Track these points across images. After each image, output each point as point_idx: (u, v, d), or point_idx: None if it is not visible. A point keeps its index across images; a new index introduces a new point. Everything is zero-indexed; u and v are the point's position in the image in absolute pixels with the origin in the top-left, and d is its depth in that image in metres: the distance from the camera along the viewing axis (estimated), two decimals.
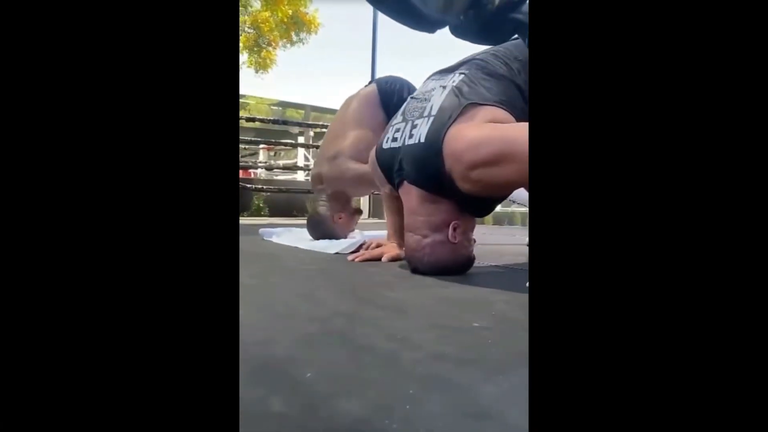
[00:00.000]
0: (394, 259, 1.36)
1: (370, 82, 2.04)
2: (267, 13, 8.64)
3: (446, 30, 1.15)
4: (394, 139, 1.16)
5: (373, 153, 1.29)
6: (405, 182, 1.12)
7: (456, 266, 1.11)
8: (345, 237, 1.90)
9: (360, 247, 1.58)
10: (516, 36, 1.20)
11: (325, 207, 1.91)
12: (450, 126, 1.01)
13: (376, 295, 0.86)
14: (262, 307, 0.73)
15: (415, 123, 1.11)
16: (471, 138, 0.97)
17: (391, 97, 1.91)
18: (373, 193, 4.50)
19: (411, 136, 1.10)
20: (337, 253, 1.58)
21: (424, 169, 1.05)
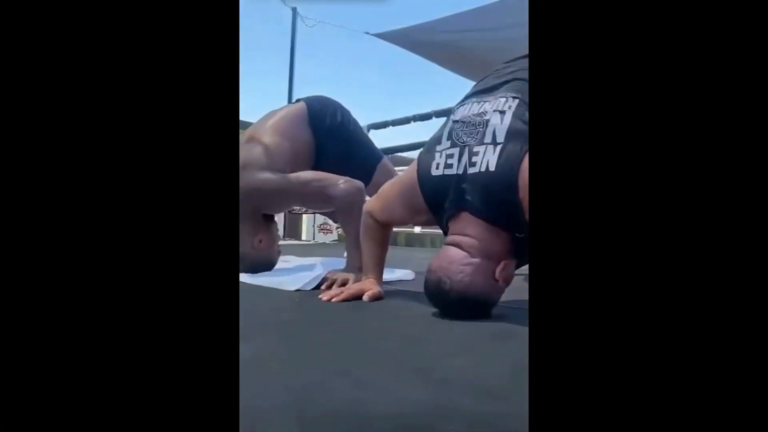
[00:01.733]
0: (375, 299, 1.19)
1: (297, 100, 1.82)
2: None
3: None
4: (448, 166, 1.06)
5: (415, 181, 1.12)
6: (464, 213, 1.02)
7: (483, 305, 1.00)
8: (273, 263, 1.65)
9: (323, 281, 1.36)
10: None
11: (241, 232, 1.54)
12: (525, 157, 0.94)
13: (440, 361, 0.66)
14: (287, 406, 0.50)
15: (474, 150, 1.02)
16: None
17: (321, 117, 1.70)
18: (290, 212, 4.26)
19: (473, 164, 1.01)
20: (298, 290, 1.34)
21: (493, 199, 0.98)
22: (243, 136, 1.75)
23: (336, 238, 4.75)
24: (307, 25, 5.51)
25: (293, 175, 1.55)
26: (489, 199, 0.98)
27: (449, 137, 1.10)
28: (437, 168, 1.08)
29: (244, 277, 1.52)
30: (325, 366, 0.63)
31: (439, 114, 3.95)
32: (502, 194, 0.96)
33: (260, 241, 1.59)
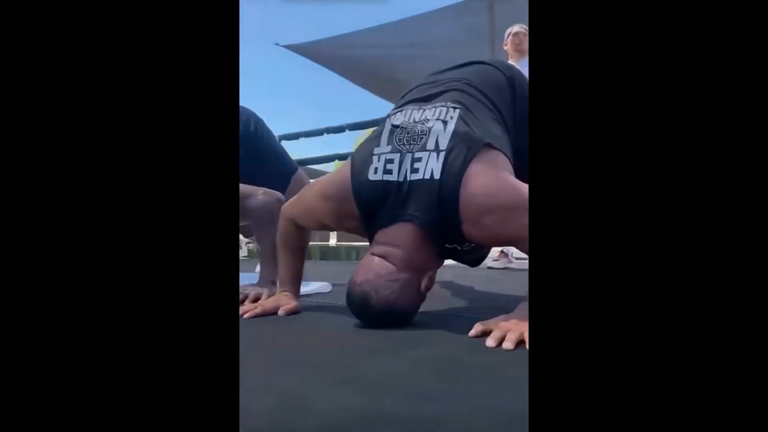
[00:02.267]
0: (291, 313, 1.13)
1: None
2: None
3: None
4: (387, 171, 1.01)
5: (347, 184, 1.05)
6: (399, 221, 0.98)
7: (406, 317, 1.00)
8: None
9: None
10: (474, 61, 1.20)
11: None
12: (469, 165, 0.94)
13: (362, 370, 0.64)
14: None
15: (417, 156, 0.99)
16: (492, 183, 0.94)
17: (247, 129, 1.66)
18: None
19: (415, 170, 0.98)
20: None
21: (434, 208, 0.96)
22: None
23: (246, 254, 4.54)
24: None
25: (241, 189, 1.47)
26: (431, 206, 0.96)
27: (389, 142, 1.05)
28: (375, 172, 1.02)
29: None
30: (244, 383, 0.58)
31: (352, 127, 3.97)
32: (444, 201, 0.94)
33: None
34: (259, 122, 1.72)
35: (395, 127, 1.09)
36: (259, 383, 0.58)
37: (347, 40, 4.67)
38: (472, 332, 0.86)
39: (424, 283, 0.99)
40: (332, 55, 4.97)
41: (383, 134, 1.09)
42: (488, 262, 3.03)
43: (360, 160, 1.07)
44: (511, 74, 1.25)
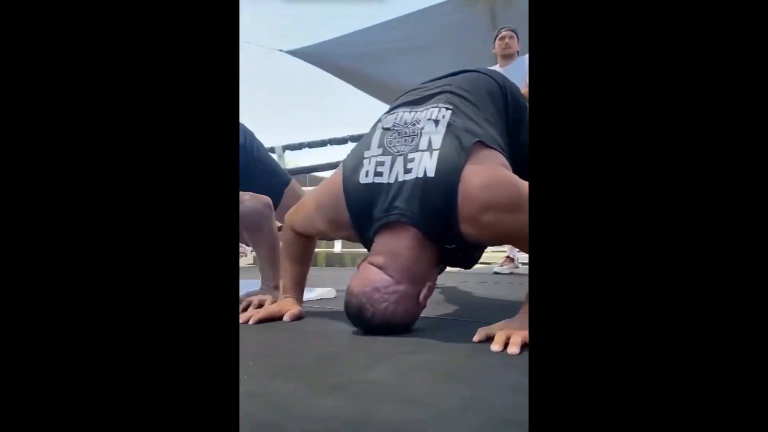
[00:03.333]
0: (296, 318, 1.14)
1: None
2: None
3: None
4: (378, 174, 0.99)
5: (339, 189, 1.04)
6: (397, 223, 0.95)
7: (404, 327, 0.98)
8: None
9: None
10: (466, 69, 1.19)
11: None
12: (466, 162, 0.93)
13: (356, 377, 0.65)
14: None
15: (409, 157, 0.98)
16: (491, 179, 0.92)
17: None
18: None
19: (408, 170, 0.96)
20: None
21: (431, 205, 0.93)
22: None
23: (251, 261, 4.56)
24: None
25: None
26: (426, 204, 0.93)
27: (380, 144, 1.04)
28: (366, 176, 1.00)
29: None
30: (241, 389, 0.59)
31: (354, 139, 3.99)
32: (440, 199, 0.92)
33: None
34: (248, 135, 1.73)
35: (386, 129, 1.07)
36: (256, 389, 0.59)
37: (350, 40, 4.67)
38: (476, 337, 0.85)
39: (423, 294, 0.97)
40: (335, 60, 4.98)
41: (374, 138, 1.07)
42: (494, 267, 3.02)
43: (351, 165, 1.05)
44: (504, 83, 1.24)
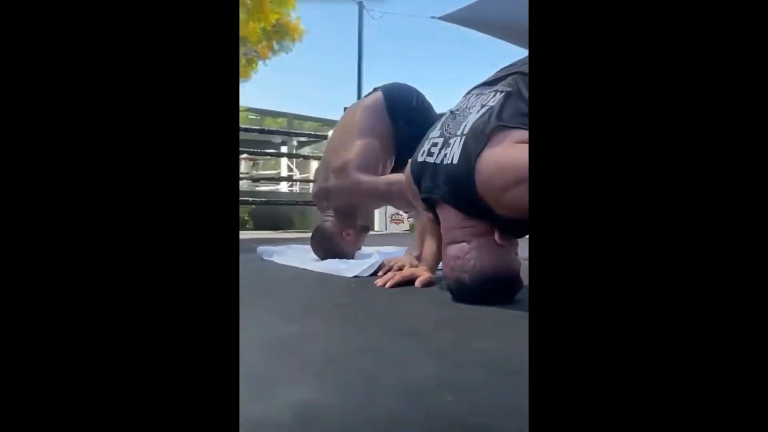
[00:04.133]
0: (427, 284, 1.21)
1: (374, 90, 1.88)
2: (254, 24, 8.32)
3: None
4: (430, 154, 1.10)
5: (408, 166, 1.18)
6: (442, 202, 1.06)
7: (505, 278, 1.01)
8: (353, 255, 1.73)
9: (379, 268, 1.41)
10: None
11: (332, 223, 1.73)
12: (482, 150, 0.96)
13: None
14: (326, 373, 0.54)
15: (449, 141, 1.05)
16: (499, 162, 0.94)
17: (398, 104, 1.78)
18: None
19: (446, 155, 1.04)
20: (356, 276, 1.40)
21: (460, 192, 1.01)
22: (331, 134, 1.92)
23: (408, 228, 4.80)
24: (372, 18, 5.58)
25: (384, 178, 1.67)
26: (456, 191, 1.01)
27: (441, 127, 1.12)
28: (422, 155, 1.11)
29: (307, 265, 1.62)
30: (354, 343, 0.67)
31: None
32: (462, 187, 0.98)
33: (348, 235, 1.73)
34: (420, 97, 1.83)
35: (451, 113, 1.14)
36: (361, 344, 0.66)
37: None
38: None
39: (497, 236, 1.00)
40: (486, 18, 4.76)
41: (442, 119, 1.16)
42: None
43: (421, 144, 1.15)
44: None
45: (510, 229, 1.05)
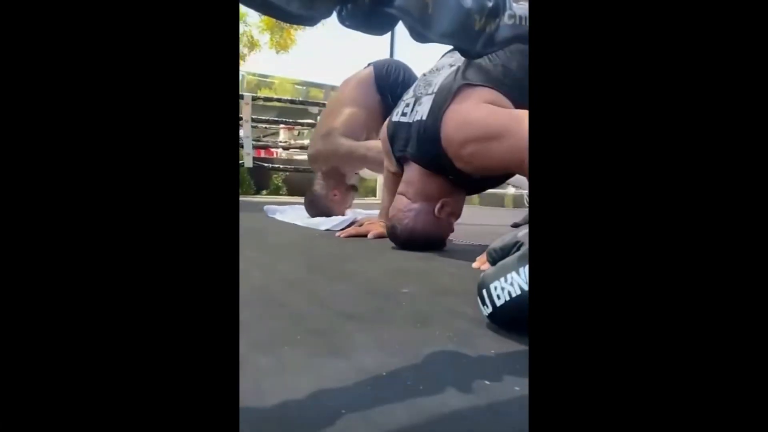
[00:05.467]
0: (379, 237, 1.41)
1: (368, 65, 2.09)
2: None
3: None
4: (403, 114, 1.20)
5: (384, 126, 1.33)
6: (408, 159, 1.17)
7: (430, 240, 1.19)
8: (341, 214, 1.97)
9: (351, 224, 1.69)
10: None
11: (321, 185, 1.97)
12: (448, 106, 1.05)
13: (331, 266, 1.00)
14: None
15: (420, 100, 1.15)
16: (463, 117, 1.03)
17: (386, 79, 1.99)
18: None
19: (416, 112, 1.14)
20: (327, 229, 1.71)
21: (424, 147, 1.11)
22: (328, 101, 2.13)
23: None
24: None
25: (363, 143, 1.89)
26: (421, 146, 1.10)
27: (414, 89, 1.22)
28: (396, 115, 1.22)
29: (297, 221, 1.95)
30: (276, 276, 1.00)
31: None
32: (429, 142, 1.07)
33: (334, 195, 1.96)
34: (406, 70, 2.03)
35: (424, 75, 1.25)
36: (300, 275, 0.99)
37: None
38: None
39: (438, 209, 1.15)
40: None
41: (417, 81, 1.25)
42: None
43: (397, 105, 1.27)
44: None
45: (467, 185, 1.18)
